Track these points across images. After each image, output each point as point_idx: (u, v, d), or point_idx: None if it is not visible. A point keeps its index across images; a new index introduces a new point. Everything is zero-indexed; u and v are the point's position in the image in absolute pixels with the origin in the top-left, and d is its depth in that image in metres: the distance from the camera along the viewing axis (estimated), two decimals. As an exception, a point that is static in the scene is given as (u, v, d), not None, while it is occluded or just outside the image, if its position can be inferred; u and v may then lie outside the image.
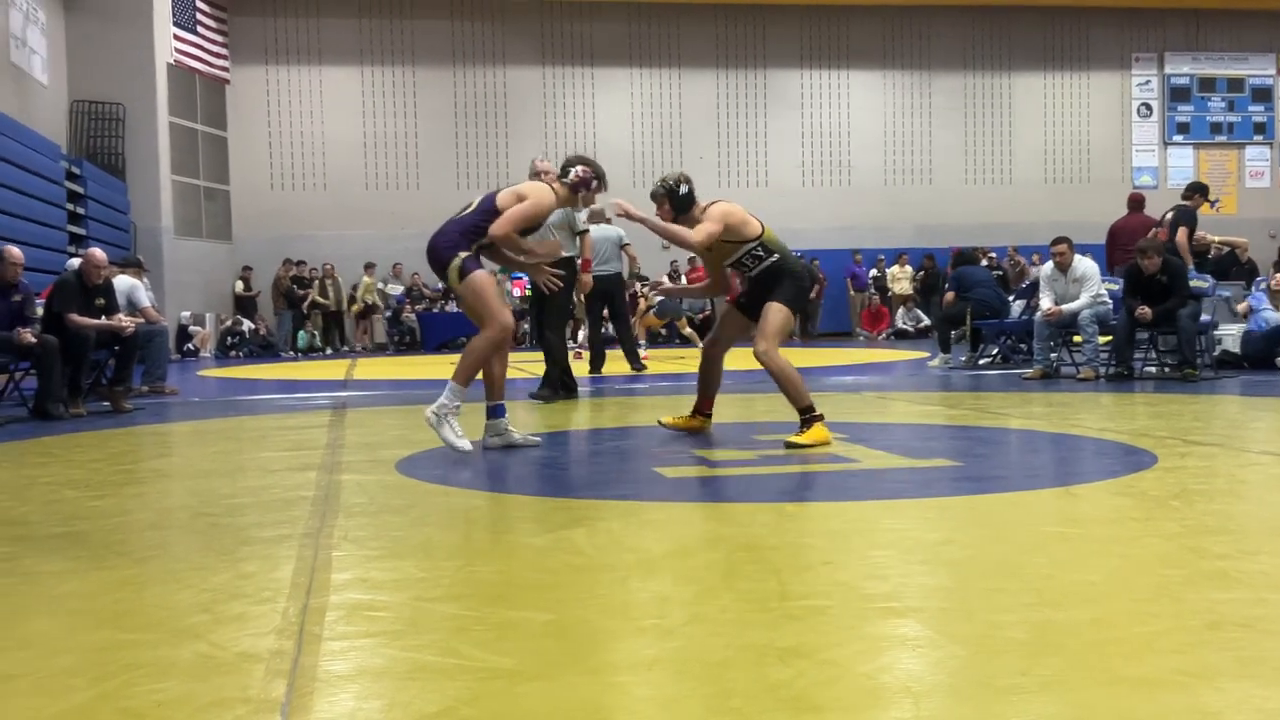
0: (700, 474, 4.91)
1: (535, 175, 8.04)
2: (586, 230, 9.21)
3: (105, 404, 9.09)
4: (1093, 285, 10.43)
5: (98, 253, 9.25)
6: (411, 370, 14.56)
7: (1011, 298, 13.28)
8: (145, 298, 11.17)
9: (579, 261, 9.10)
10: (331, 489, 4.63)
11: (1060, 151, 26.83)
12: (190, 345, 20.42)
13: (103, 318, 8.99)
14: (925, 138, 26.27)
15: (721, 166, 25.41)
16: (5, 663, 2.36)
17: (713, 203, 5.88)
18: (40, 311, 8.84)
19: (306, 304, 22.09)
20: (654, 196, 5.87)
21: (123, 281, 10.65)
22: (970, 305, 12.46)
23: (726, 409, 7.85)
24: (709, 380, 6.25)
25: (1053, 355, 10.67)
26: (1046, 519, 3.85)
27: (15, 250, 8.55)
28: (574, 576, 3.09)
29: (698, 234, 5.71)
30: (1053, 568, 3.05)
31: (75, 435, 7.21)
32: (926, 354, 14.76)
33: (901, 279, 23.92)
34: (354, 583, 3.02)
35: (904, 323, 23.15)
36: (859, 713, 1.98)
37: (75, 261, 10.01)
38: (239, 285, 22.55)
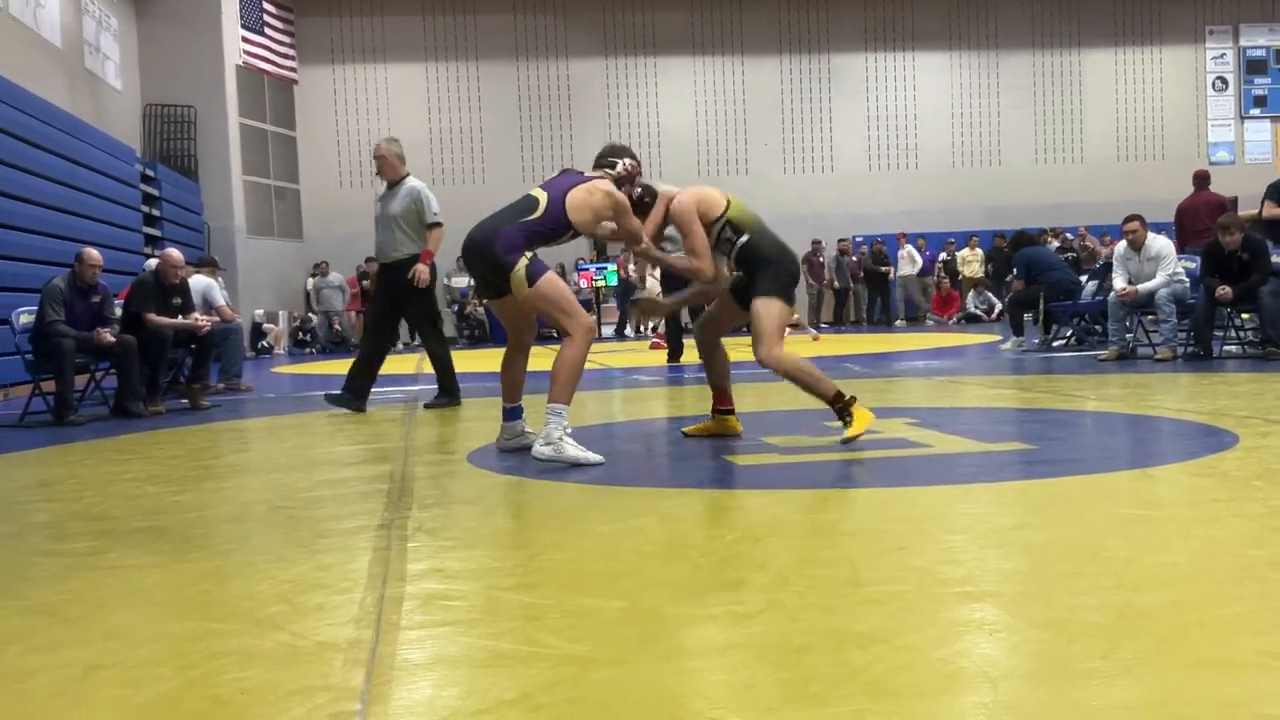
0: (772, 461, 4.89)
1: (380, 158, 8.04)
2: (439, 223, 8.10)
3: (183, 401, 9.26)
4: (1169, 264, 10.21)
5: (174, 253, 9.40)
6: (480, 363, 14.65)
7: (1084, 278, 13.06)
8: (220, 296, 11.36)
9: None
10: (405, 481, 4.69)
11: (1133, 129, 26.30)
12: (264, 342, 20.74)
13: (179, 317, 9.15)
14: (993, 118, 25.90)
15: (786, 153, 25.26)
16: (93, 653, 2.42)
17: (668, 199, 5.34)
18: (119, 312, 9.01)
19: (375, 299, 22.31)
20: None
21: (198, 281, 10.84)
22: (1044, 289, 12.26)
23: (797, 396, 7.80)
24: (717, 371, 5.77)
25: (1128, 336, 10.47)
26: (1124, 501, 3.79)
27: (94, 252, 8.72)
28: (646, 564, 3.10)
29: (705, 264, 5.33)
30: (1132, 550, 3.00)
31: (155, 432, 7.35)
32: (998, 337, 14.57)
33: (971, 262, 23.61)
34: (429, 573, 3.05)
35: (974, 306, 22.84)
36: (937, 697, 1.97)
37: (152, 262, 10.19)
38: (310, 283, 22.85)
